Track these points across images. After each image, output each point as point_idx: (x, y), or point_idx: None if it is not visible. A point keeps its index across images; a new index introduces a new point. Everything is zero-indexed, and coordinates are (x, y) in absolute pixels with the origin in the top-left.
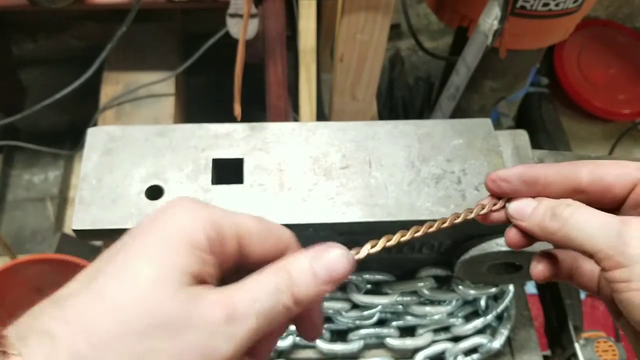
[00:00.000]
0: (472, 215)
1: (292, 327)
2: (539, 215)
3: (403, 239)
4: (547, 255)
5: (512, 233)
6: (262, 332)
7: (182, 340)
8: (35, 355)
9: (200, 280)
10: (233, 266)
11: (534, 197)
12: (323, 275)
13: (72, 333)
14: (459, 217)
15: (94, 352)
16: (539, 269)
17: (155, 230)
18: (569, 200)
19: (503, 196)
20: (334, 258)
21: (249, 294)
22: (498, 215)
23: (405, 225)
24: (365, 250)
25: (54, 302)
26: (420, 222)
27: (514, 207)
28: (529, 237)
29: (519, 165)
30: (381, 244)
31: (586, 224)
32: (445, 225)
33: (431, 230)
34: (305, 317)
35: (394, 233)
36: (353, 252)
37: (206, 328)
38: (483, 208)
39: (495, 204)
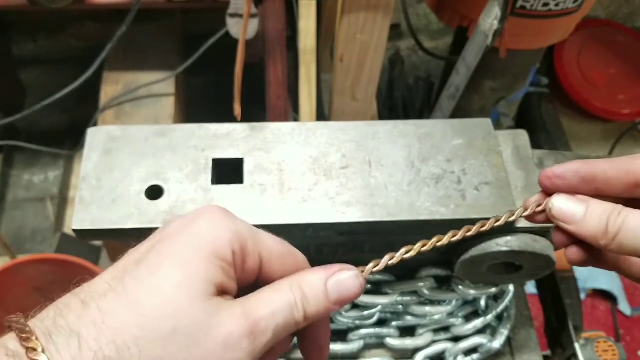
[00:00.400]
0: (513, 218)
1: None
2: (595, 224)
3: (439, 243)
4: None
5: (558, 237)
6: (273, 344)
7: (203, 349)
8: (62, 354)
9: (222, 292)
10: (249, 283)
11: (592, 194)
12: (334, 296)
13: (98, 335)
14: (499, 220)
15: (119, 355)
16: (572, 251)
17: (185, 237)
18: (619, 206)
19: (555, 192)
20: (345, 279)
21: (268, 309)
22: (542, 216)
23: (405, 225)
24: (384, 263)
25: (82, 302)
26: (420, 222)
27: (558, 209)
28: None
29: (574, 161)
30: (398, 256)
31: (638, 229)
32: (485, 228)
33: (469, 234)
34: (312, 342)
35: (421, 239)
36: (370, 266)
37: (227, 340)
38: (526, 210)
39: (539, 205)
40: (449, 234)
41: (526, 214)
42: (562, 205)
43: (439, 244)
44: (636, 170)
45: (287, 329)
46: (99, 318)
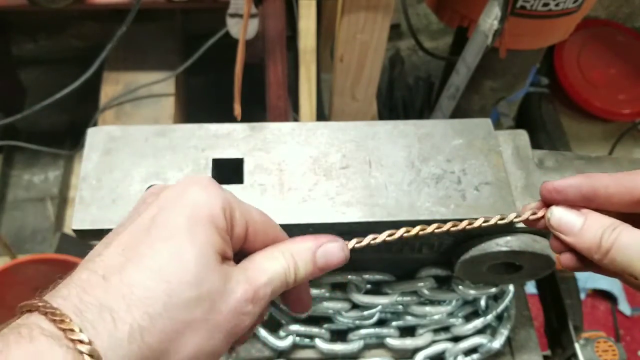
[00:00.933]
0: (505, 221)
1: (292, 327)
2: (591, 238)
3: (406, 234)
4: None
5: (555, 244)
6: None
7: (219, 312)
8: (99, 330)
9: (224, 258)
10: (235, 250)
11: (592, 209)
12: (321, 264)
13: (129, 307)
14: (488, 221)
15: (152, 323)
16: (567, 257)
17: (184, 207)
18: (616, 222)
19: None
20: (332, 249)
21: (265, 275)
22: (540, 223)
23: (405, 225)
24: (366, 241)
25: (102, 277)
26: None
27: (557, 219)
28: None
29: (577, 175)
30: (381, 237)
31: (630, 247)
32: (473, 226)
33: (446, 229)
34: (297, 297)
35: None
36: (353, 242)
37: (237, 305)
38: (519, 216)
39: (534, 213)
40: (433, 226)
41: (519, 219)
42: (561, 215)
43: (421, 232)
44: (639, 187)
45: (280, 291)
46: (127, 290)
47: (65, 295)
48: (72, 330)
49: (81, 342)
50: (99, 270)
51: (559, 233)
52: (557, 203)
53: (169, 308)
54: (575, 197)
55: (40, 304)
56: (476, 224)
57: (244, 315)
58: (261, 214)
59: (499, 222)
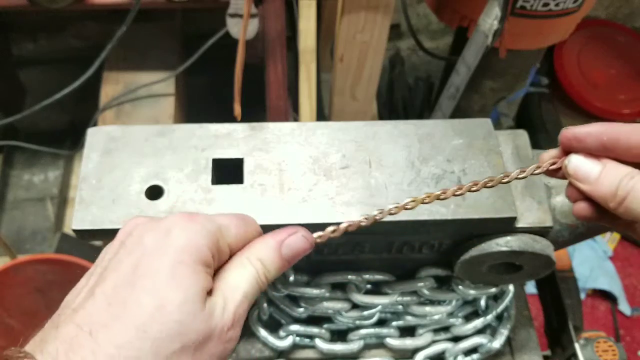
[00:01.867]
0: (524, 175)
1: (292, 327)
2: (607, 186)
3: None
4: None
5: (571, 192)
6: None
7: (207, 352)
8: None
9: (208, 291)
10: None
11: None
12: (288, 258)
13: None
14: (508, 176)
15: None
16: (581, 206)
17: (169, 252)
18: (634, 171)
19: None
20: (295, 242)
21: (240, 291)
22: (559, 173)
23: (405, 225)
24: (327, 234)
25: (89, 333)
26: (420, 222)
27: (575, 166)
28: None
29: (597, 123)
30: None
31: None
32: (492, 184)
33: (452, 193)
34: None
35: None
36: (316, 235)
37: (221, 337)
38: (539, 167)
39: (554, 163)
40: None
41: (539, 171)
42: (579, 163)
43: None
44: None
45: (254, 298)
46: (114, 351)
47: (52, 354)
48: None
49: None
50: (84, 327)
51: (576, 181)
52: (576, 151)
53: None
54: (595, 146)
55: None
56: (492, 183)
57: (228, 343)
58: (237, 225)
59: (519, 177)
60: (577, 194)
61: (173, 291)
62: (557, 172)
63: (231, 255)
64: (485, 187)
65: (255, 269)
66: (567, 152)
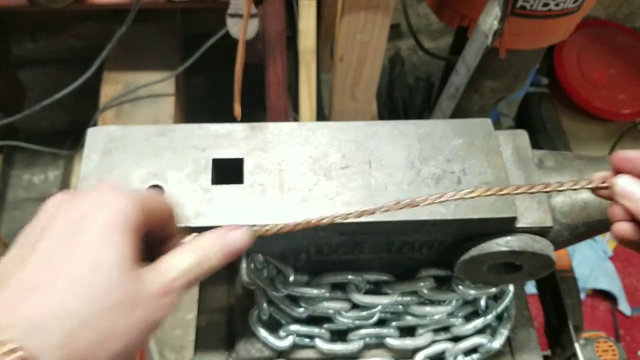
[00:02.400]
0: (577, 187)
1: (292, 327)
2: None
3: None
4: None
5: (615, 210)
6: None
7: (135, 315)
8: (29, 343)
9: (138, 260)
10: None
11: None
12: (229, 251)
13: (58, 319)
14: (562, 185)
15: (79, 331)
16: (623, 227)
17: (105, 215)
18: None
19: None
20: (237, 236)
21: (177, 270)
22: (605, 192)
23: (405, 225)
24: (274, 229)
25: (24, 296)
26: (420, 222)
27: (622, 187)
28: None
29: None
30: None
31: None
32: (549, 189)
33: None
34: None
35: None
36: (260, 229)
37: (151, 302)
38: (590, 182)
39: (603, 182)
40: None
41: (590, 186)
42: (627, 182)
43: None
44: None
45: (197, 281)
46: (54, 306)
47: None
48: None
49: (13, 351)
50: (21, 291)
51: (622, 198)
52: (626, 172)
53: (91, 317)
54: None
55: None
56: (535, 189)
57: (159, 311)
58: (160, 195)
59: (572, 187)
60: (620, 212)
61: (108, 253)
62: (603, 191)
63: (162, 229)
64: (540, 192)
65: (196, 255)
66: (617, 173)
